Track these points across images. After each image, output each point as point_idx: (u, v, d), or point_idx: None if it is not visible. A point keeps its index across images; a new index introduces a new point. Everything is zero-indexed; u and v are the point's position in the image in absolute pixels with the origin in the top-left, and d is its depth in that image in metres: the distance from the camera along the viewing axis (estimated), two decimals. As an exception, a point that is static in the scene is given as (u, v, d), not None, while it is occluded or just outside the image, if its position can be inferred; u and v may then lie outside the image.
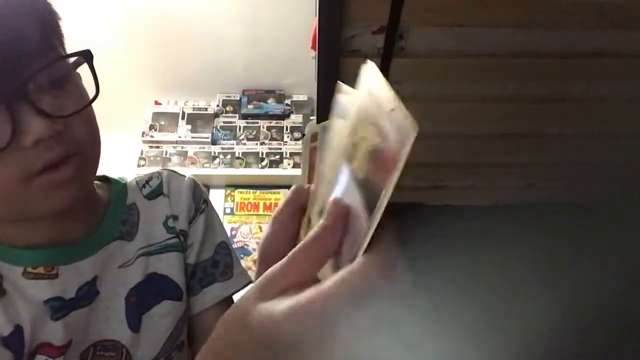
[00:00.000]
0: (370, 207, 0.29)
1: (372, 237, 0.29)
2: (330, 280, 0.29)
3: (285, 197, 0.44)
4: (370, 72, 0.34)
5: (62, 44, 0.52)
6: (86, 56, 0.51)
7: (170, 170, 0.69)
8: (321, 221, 0.32)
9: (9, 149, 0.44)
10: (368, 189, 0.30)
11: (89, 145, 0.52)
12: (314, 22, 1.23)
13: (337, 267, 0.32)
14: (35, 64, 0.46)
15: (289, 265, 0.31)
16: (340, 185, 0.34)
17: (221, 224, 0.70)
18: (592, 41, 1.27)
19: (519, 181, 1.87)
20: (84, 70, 0.52)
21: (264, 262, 0.43)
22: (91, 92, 0.52)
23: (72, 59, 0.51)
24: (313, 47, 1.33)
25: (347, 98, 0.38)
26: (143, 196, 0.65)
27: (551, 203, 1.93)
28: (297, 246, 0.32)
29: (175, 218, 0.64)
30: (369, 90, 0.33)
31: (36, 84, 0.46)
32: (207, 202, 0.69)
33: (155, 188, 0.66)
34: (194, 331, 0.66)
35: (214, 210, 0.70)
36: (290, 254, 0.32)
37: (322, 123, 0.44)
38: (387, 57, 1.26)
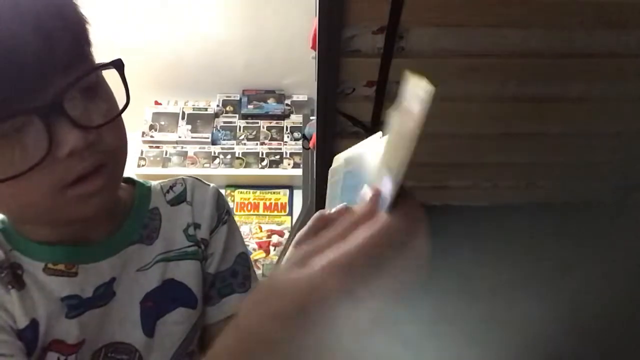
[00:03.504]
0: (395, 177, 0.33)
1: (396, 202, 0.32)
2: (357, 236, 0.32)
3: (307, 224, 0.44)
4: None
5: (91, 50, 0.52)
6: (118, 66, 0.51)
7: (195, 178, 0.69)
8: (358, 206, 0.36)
9: (45, 160, 0.45)
10: (394, 167, 0.33)
11: (119, 153, 0.52)
12: (314, 22, 1.23)
13: None
14: (69, 75, 0.46)
15: (321, 239, 0.35)
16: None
17: (241, 235, 0.70)
18: (592, 41, 1.27)
19: (519, 181, 1.87)
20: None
21: None
22: (120, 100, 0.52)
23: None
24: (313, 47, 1.33)
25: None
26: (166, 202, 0.65)
27: (551, 203, 1.93)
28: (333, 225, 0.35)
29: (197, 226, 0.64)
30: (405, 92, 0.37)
31: (70, 95, 0.46)
32: (229, 212, 0.69)
33: (178, 194, 0.66)
34: (208, 340, 0.66)
35: (234, 221, 0.71)
36: (326, 230, 0.36)
37: (343, 156, 0.47)
38: (387, 57, 1.26)
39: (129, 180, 0.66)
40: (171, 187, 0.66)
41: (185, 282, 0.62)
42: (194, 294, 0.62)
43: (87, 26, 0.51)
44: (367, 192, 0.36)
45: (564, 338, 1.56)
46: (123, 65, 0.52)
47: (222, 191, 2.85)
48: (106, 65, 0.51)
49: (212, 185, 0.69)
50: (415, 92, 0.34)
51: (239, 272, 0.67)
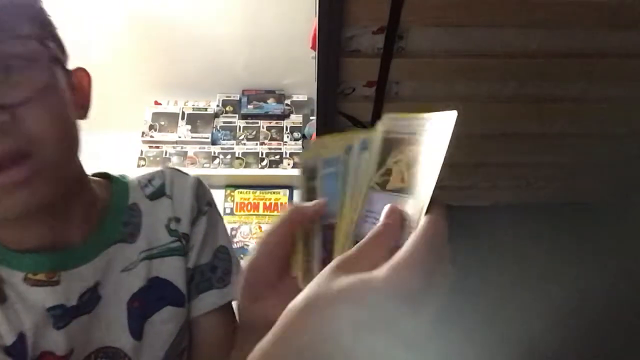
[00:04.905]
0: (423, 189, 0.34)
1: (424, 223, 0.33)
2: (386, 267, 0.31)
3: (279, 216, 0.43)
4: (383, 120, 0.41)
5: (45, 34, 0.48)
6: (40, 38, 0.47)
7: (173, 168, 0.66)
8: (379, 223, 0.35)
9: None
10: (414, 188, 0.35)
11: (48, 143, 0.46)
12: (314, 22, 1.23)
13: None
14: None
15: (358, 255, 0.34)
16: (381, 209, 0.37)
17: (224, 228, 0.67)
18: (592, 41, 1.27)
19: (519, 181, 1.87)
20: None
21: (249, 282, 0.43)
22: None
23: (51, 49, 0.48)
24: (313, 47, 1.33)
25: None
26: (145, 196, 0.62)
27: (551, 203, 1.93)
28: (363, 241, 0.35)
29: (178, 220, 0.62)
30: (387, 130, 0.40)
31: None
32: (210, 203, 0.66)
33: (157, 188, 0.63)
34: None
35: (218, 212, 0.67)
36: (357, 247, 0.35)
37: (312, 152, 0.46)
38: (387, 57, 1.26)
39: (105, 176, 0.63)
40: (149, 181, 0.63)
41: (170, 280, 0.60)
42: (180, 291, 0.60)
43: (42, 16, 0.49)
44: (387, 210, 0.36)
45: (564, 337, 1.56)
46: (48, 35, 0.48)
47: (222, 191, 2.86)
48: (25, 37, 0.46)
49: (192, 175, 0.66)
50: (435, 123, 0.36)
51: (218, 266, 0.64)
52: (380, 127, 0.41)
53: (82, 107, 0.54)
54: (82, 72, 0.55)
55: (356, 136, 0.42)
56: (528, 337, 1.48)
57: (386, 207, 0.36)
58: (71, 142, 0.50)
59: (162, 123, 2.83)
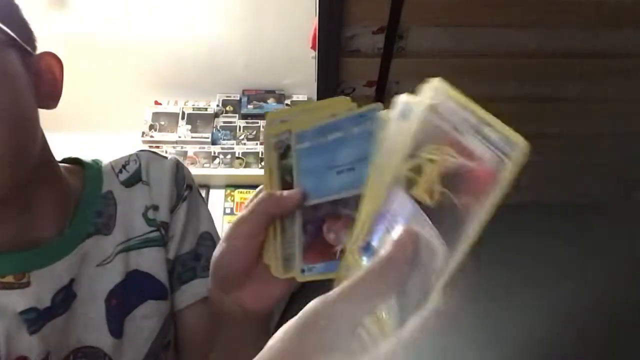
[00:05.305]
0: (450, 238, 0.25)
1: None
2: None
3: (251, 206, 0.41)
4: (438, 90, 0.31)
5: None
6: None
7: (149, 151, 0.61)
8: (381, 252, 0.27)
9: None
10: (445, 216, 0.26)
11: None
12: (314, 22, 1.23)
13: (399, 306, 0.27)
14: None
15: (338, 303, 0.26)
16: (398, 216, 0.29)
17: (207, 212, 0.62)
18: (592, 41, 1.27)
19: (519, 181, 1.87)
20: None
21: (220, 277, 0.42)
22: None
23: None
24: (313, 47, 1.33)
25: (410, 102, 0.34)
26: (120, 182, 0.57)
27: (550, 203, 1.93)
28: (352, 279, 0.26)
29: (156, 208, 0.57)
30: (435, 108, 0.30)
31: None
32: (190, 187, 0.60)
33: (133, 173, 0.58)
34: (174, 330, 0.60)
35: (200, 196, 0.63)
36: (341, 288, 0.26)
37: (278, 116, 0.42)
38: (387, 57, 1.26)
39: (76, 161, 0.58)
40: (124, 166, 0.58)
41: (150, 272, 0.55)
42: (161, 284, 0.56)
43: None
44: (400, 237, 0.28)
45: (563, 338, 1.56)
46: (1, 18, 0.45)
47: (222, 191, 2.85)
48: None
49: (170, 157, 0.61)
50: (500, 139, 0.26)
51: (202, 254, 0.59)
52: (429, 97, 0.30)
53: (49, 95, 0.50)
54: (51, 58, 0.51)
55: (342, 104, 0.39)
56: (527, 337, 1.48)
57: (399, 229, 0.28)
58: (25, 130, 0.46)
59: (162, 123, 2.83)
